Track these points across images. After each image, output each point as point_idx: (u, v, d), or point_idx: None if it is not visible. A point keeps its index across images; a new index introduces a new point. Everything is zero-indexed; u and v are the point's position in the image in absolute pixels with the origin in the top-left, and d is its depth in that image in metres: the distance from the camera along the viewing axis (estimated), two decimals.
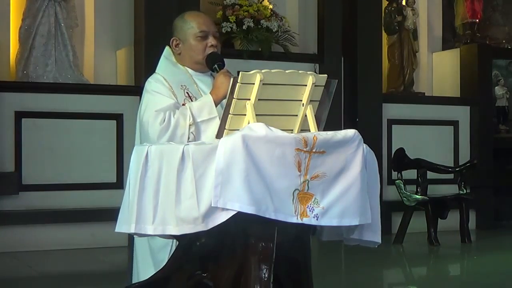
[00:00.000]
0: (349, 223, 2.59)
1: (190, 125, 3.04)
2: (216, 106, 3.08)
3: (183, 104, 3.14)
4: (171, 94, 3.16)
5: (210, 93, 3.12)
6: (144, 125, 3.09)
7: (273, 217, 2.43)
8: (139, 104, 3.23)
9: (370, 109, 7.85)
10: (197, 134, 3.05)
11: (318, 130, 2.69)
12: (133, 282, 3.20)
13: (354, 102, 7.83)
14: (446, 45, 9.06)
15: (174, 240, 2.96)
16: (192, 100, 3.17)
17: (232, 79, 2.62)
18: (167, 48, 3.36)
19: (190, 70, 3.30)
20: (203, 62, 3.24)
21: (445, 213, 7.08)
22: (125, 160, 6.54)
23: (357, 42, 7.88)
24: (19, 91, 6.55)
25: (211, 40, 3.24)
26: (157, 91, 3.16)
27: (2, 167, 6.39)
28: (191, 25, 3.25)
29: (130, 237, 3.50)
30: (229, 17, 7.47)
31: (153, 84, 3.20)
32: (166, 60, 3.34)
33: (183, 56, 3.30)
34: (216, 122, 3.00)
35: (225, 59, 3.26)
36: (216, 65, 3.19)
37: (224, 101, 2.79)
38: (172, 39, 3.31)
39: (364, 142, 2.65)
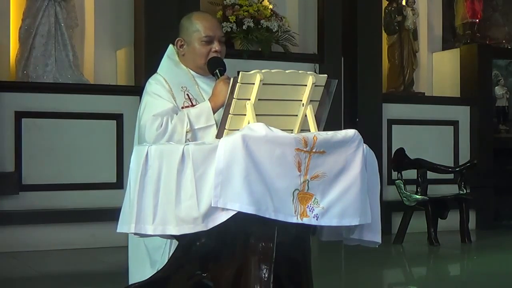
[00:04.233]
0: (349, 223, 2.59)
1: (187, 131, 3.03)
2: (214, 113, 3.07)
3: (183, 107, 3.13)
4: (170, 97, 3.15)
5: (208, 100, 3.11)
6: (141, 129, 3.09)
7: (273, 217, 2.43)
8: (139, 104, 3.23)
9: (370, 109, 7.84)
10: (194, 140, 3.02)
11: (318, 130, 2.69)
12: (130, 282, 3.19)
13: (354, 102, 7.82)
14: (446, 45, 9.06)
15: (169, 241, 2.96)
16: (192, 102, 3.17)
17: (232, 79, 2.62)
18: (170, 46, 3.34)
19: (192, 71, 3.29)
20: (205, 67, 3.23)
21: (445, 213, 7.08)
22: (125, 160, 6.54)
23: (357, 42, 7.87)
24: (19, 91, 6.54)
25: (215, 46, 3.23)
26: (157, 93, 3.15)
27: (2, 167, 6.38)
28: (196, 28, 3.23)
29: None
30: (229, 17, 7.46)
31: (153, 86, 3.19)
32: (169, 59, 3.32)
33: (186, 57, 3.28)
34: (214, 130, 3.02)
35: (225, 59, 3.25)
36: (217, 71, 3.17)
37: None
38: (177, 39, 3.29)
39: (364, 142, 2.65)
